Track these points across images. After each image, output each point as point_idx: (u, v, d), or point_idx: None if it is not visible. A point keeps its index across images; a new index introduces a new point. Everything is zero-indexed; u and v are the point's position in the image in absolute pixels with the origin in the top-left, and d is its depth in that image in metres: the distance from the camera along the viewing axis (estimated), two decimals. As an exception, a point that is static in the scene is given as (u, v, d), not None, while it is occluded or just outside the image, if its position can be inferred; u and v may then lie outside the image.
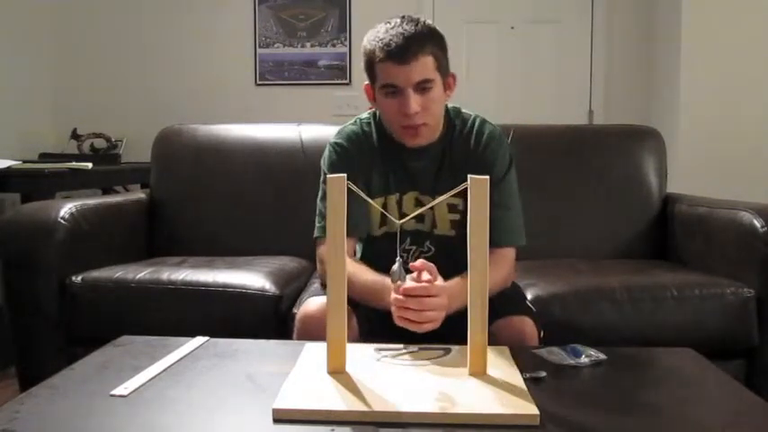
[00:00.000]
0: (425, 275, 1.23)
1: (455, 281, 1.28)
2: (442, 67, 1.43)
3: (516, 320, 1.40)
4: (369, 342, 1.36)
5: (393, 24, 1.39)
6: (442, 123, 1.53)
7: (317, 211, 1.54)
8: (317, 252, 1.53)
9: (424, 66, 1.38)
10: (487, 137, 1.53)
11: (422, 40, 1.38)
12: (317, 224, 1.53)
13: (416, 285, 1.20)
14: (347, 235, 1.10)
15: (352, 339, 1.30)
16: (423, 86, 1.40)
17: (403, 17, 1.41)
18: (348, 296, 1.11)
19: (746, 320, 1.78)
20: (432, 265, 1.25)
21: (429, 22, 1.44)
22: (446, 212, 1.52)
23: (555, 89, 3.63)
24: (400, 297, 1.20)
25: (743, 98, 3.17)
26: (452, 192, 1.19)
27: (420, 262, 1.23)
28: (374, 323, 1.42)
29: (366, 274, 1.40)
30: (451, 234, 1.53)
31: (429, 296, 1.20)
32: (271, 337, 1.45)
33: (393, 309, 1.22)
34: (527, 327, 1.41)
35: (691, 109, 3.18)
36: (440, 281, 1.24)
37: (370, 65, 1.43)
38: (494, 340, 1.21)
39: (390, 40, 1.37)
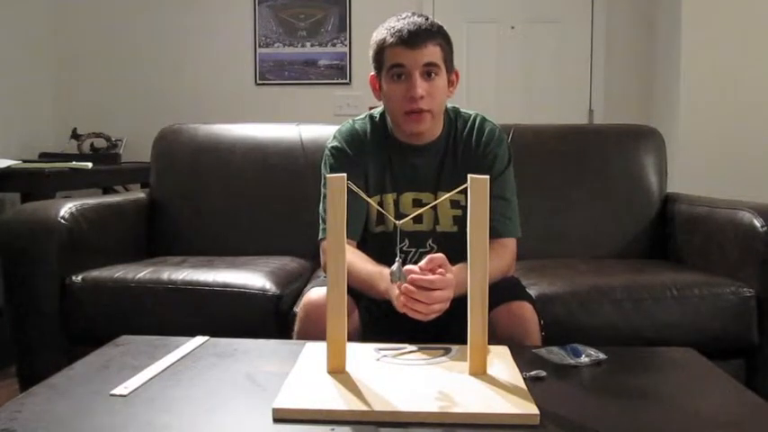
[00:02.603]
0: (430, 267, 1.25)
1: (458, 267, 1.29)
2: (448, 61, 1.50)
3: (516, 305, 1.42)
4: (370, 335, 1.37)
5: (404, 16, 1.48)
6: (442, 119, 1.56)
7: (320, 215, 1.55)
8: (320, 251, 1.54)
9: (433, 52, 1.45)
10: (488, 134, 1.56)
11: (431, 31, 1.46)
12: (321, 226, 1.55)
13: (424, 278, 1.22)
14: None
15: (352, 330, 1.32)
16: (429, 71, 1.45)
17: (413, 13, 1.49)
18: (349, 285, 1.12)
19: (746, 320, 1.78)
20: (440, 256, 1.26)
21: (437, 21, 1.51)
22: (449, 208, 1.54)
23: (555, 89, 3.62)
24: (411, 287, 1.22)
25: (743, 98, 3.17)
26: (453, 192, 1.23)
27: (428, 259, 1.25)
28: (375, 316, 1.44)
29: (363, 264, 1.43)
30: (454, 230, 1.54)
31: (436, 289, 1.23)
32: (271, 337, 1.45)
33: (401, 298, 1.24)
34: (527, 311, 1.42)
35: (691, 109, 3.18)
36: (449, 274, 1.26)
37: (380, 51, 1.49)
38: (494, 327, 1.21)
39: (402, 27, 1.44)
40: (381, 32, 1.48)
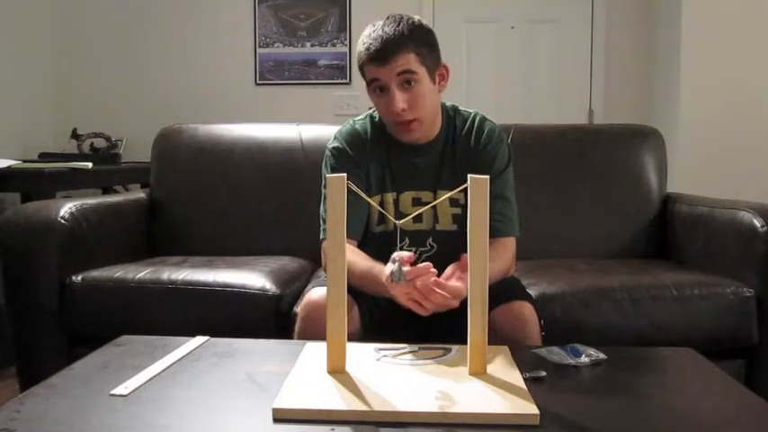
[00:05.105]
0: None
1: None
2: (428, 61, 1.45)
3: (516, 305, 1.42)
4: (370, 334, 1.37)
5: (375, 27, 1.44)
6: (439, 118, 1.56)
7: (321, 216, 1.56)
8: (321, 251, 1.54)
9: (405, 62, 1.41)
10: (488, 133, 1.56)
11: (400, 40, 1.41)
12: (321, 227, 1.55)
13: (446, 283, 1.22)
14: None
15: (353, 331, 1.32)
16: (406, 79, 1.42)
17: (387, 17, 1.45)
18: (349, 284, 1.12)
19: (746, 320, 1.77)
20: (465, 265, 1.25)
21: (415, 19, 1.46)
22: (448, 207, 1.54)
23: (555, 89, 3.63)
24: (429, 287, 1.21)
25: (743, 98, 3.17)
26: (454, 192, 1.25)
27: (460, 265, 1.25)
28: (376, 315, 1.44)
29: (363, 262, 1.42)
30: (453, 229, 1.54)
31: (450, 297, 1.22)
32: (271, 337, 1.45)
33: (414, 292, 1.23)
34: (527, 311, 1.42)
35: (691, 109, 3.18)
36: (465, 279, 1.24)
37: (360, 66, 1.48)
38: (494, 327, 1.21)
39: (371, 44, 1.42)
40: (359, 46, 1.46)
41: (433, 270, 1.23)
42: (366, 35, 1.44)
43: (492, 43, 3.64)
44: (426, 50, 1.45)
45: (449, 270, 1.27)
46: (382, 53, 1.40)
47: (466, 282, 1.23)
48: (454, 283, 1.23)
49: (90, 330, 1.82)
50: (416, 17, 1.48)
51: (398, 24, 1.42)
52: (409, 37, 1.42)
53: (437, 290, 1.21)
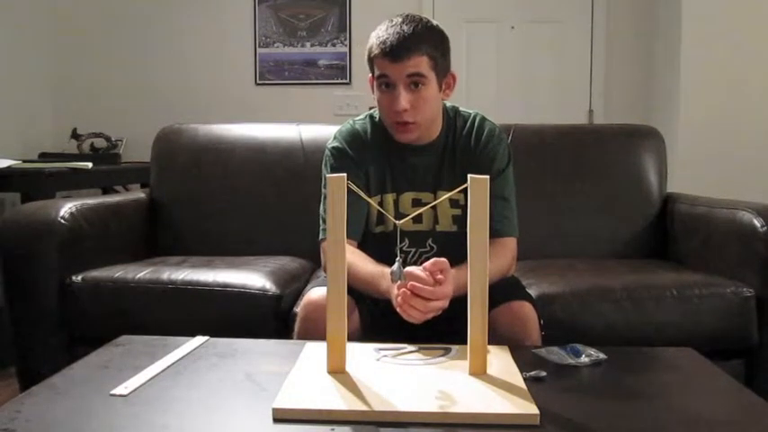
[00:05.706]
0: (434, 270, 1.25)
1: (457, 269, 1.28)
2: (439, 67, 1.45)
3: (516, 305, 1.42)
4: (370, 335, 1.37)
5: (394, 23, 1.43)
6: (439, 122, 1.56)
7: (321, 216, 1.55)
8: (321, 251, 1.54)
9: (417, 64, 1.41)
10: (487, 133, 1.56)
11: (417, 40, 1.41)
12: (321, 227, 1.55)
13: (423, 287, 1.22)
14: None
15: (353, 331, 1.32)
16: (414, 81, 1.42)
17: (407, 16, 1.44)
18: (349, 286, 1.12)
19: (746, 320, 1.78)
20: (444, 261, 1.25)
21: (433, 22, 1.47)
22: (448, 207, 1.54)
23: (555, 89, 3.62)
24: (408, 294, 1.22)
25: (743, 98, 3.17)
26: (453, 192, 1.25)
27: (432, 261, 1.24)
28: (376, 316, 1.44)
29: (364, 264, 1.42)
30: (453, 230, 1.54)
31: (432, 300, 1.22)
32: (271, 337, 1.45)
33: (398, 300, 1.24)
34: (527, 310, 1.42)
35: (691, 109, 3.18)
36: (448, 279, 1.25)
37: (369, 59, 1.47)
38: (494, 327, 1.21)
39: (387, 38, 1.41)
40: (372, 39, 1.45)
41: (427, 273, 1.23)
42: (383, 29, 1.43)
43: (492, 43, 3.64)
44: (440, 56, 1.45)
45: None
46: (397, 50, 1.40)
47: (446, 283, 1.23)
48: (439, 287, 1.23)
49: (90, 330, 1.82)
50: (435, 21, 1.47)
51: (417, 25, 1.42)
52: (427, 40, 1.42)
53: (417, 296, 1.21)
